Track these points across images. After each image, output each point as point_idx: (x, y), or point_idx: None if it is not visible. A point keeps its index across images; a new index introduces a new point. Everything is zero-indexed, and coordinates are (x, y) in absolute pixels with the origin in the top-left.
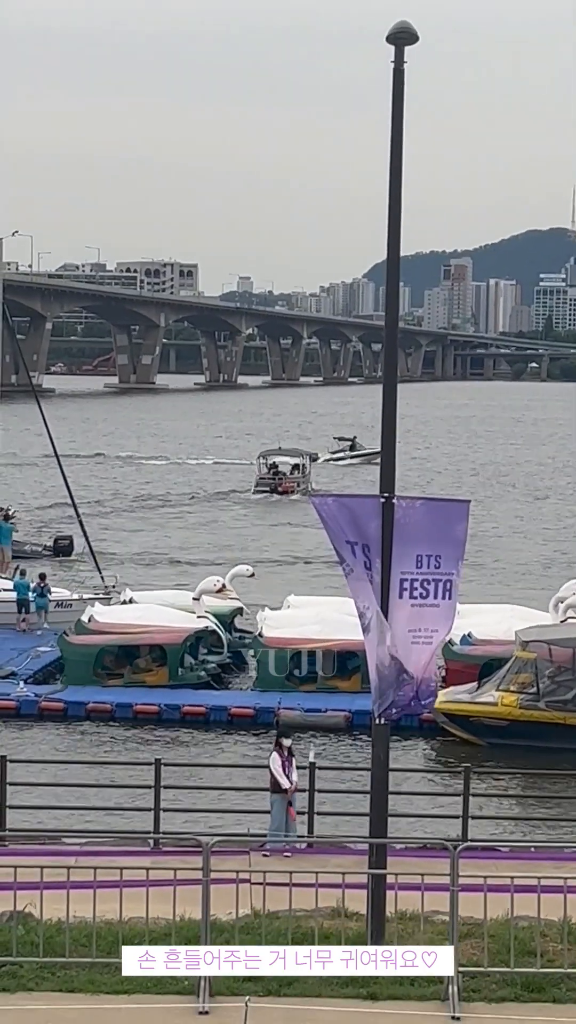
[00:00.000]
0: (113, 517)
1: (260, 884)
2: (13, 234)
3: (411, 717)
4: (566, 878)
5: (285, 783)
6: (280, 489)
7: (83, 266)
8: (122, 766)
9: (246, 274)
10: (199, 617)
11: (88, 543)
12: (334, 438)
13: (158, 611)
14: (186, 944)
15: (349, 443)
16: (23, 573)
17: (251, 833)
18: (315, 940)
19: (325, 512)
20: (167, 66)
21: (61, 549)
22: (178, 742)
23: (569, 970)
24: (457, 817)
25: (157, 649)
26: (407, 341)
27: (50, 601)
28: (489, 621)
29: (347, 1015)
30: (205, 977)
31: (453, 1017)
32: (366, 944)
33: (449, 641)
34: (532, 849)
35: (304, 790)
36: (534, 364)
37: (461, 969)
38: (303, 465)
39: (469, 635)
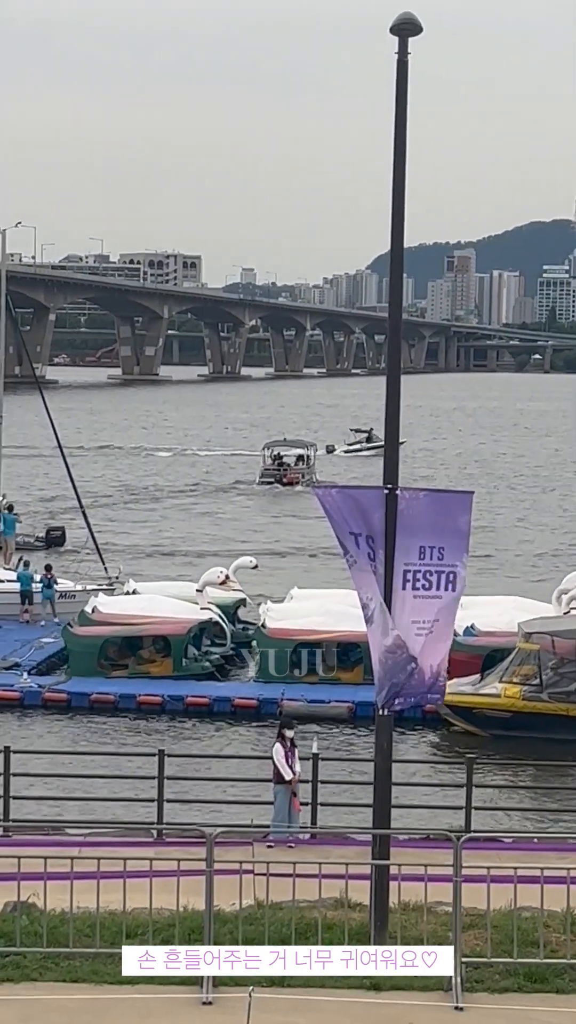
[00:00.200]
0: (117, 508)
1: (263, 875)
2: (16, 225)
3: (414, 708)
4: (569, 869)
5: (288, 774)
6: (285, 480)
7: (87, 257)
8: (125, 757)
9: (249, 266)
10: (202, 608)
11: (91, 534)
12: (351, 430)
13: (162, 602)
14: (189, 934)
15: (366, 435)
16: (27, 564)
17: (254, 824)
18: (318, 931)
19: (328, 503)
20: (170, 58)
21: (53, 540)
22: (181, 733)
23: (572, 961)
24: (460, 808)
25: (161, 640)
26: (410, 333)
27: (56, 592)
28: (492, 612)
29: (350, 1005)
30: None
31: (456, 1007)
32: (369, 934)
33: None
34: (535, 840)
35: (307, 781)
36: (537, 356)
37: (464, 960)
38: (307, 456)
39: (472, 627)
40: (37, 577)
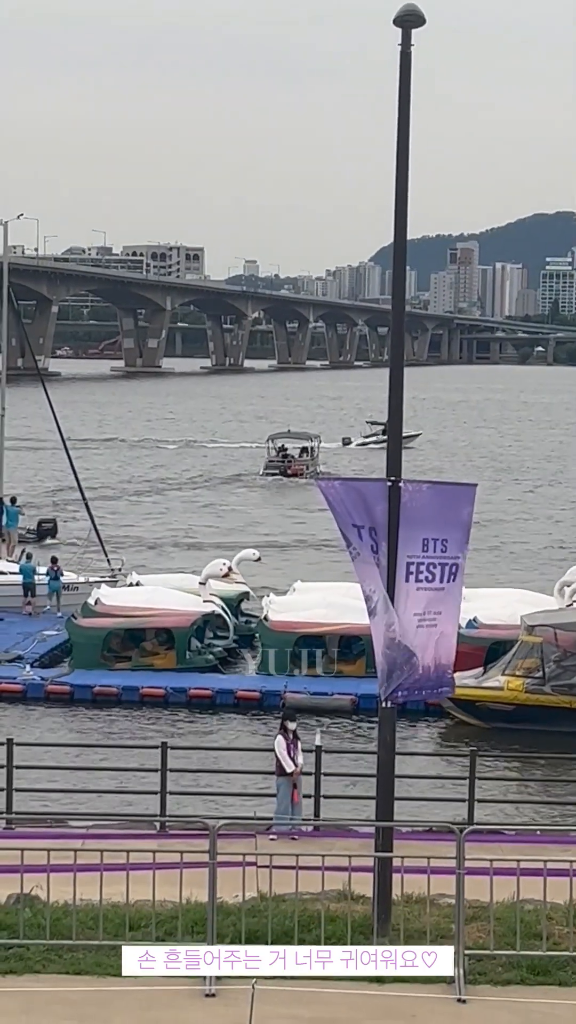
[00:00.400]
0: (121, 500)
1: (266, 867)
2: (18, 217)
3: (417, 701)
4: (572, 861)
5: (290, 766)
6: (289, 472)
7: (89, 250)
8: (128, 749)
9: (252, 258)
10: (205, 601)
11: (94, 526)
12: (367, 422)
13: (165, 594)
14: (192, 926)
15: (382, 427)
16: (29, 557)
17: (257, 816)
18: (321, 923)
19: (332, 495)
20: (173, 50)
21: (45, 532)
22: (184, 726)
23: (575, 953)
24: (463, 800)
25: (164, 633)
26: (413, 325)
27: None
28: (494, 605)
29: (353, 998)
30: None
31: (459, 1000)
32: (372, 926)
33: None
34: (538, 832)
35: (310, 773)
36: (540, 348)
37: (467, 952)
38: (311, 448)
39: (475, 619)
40: (41, 569)
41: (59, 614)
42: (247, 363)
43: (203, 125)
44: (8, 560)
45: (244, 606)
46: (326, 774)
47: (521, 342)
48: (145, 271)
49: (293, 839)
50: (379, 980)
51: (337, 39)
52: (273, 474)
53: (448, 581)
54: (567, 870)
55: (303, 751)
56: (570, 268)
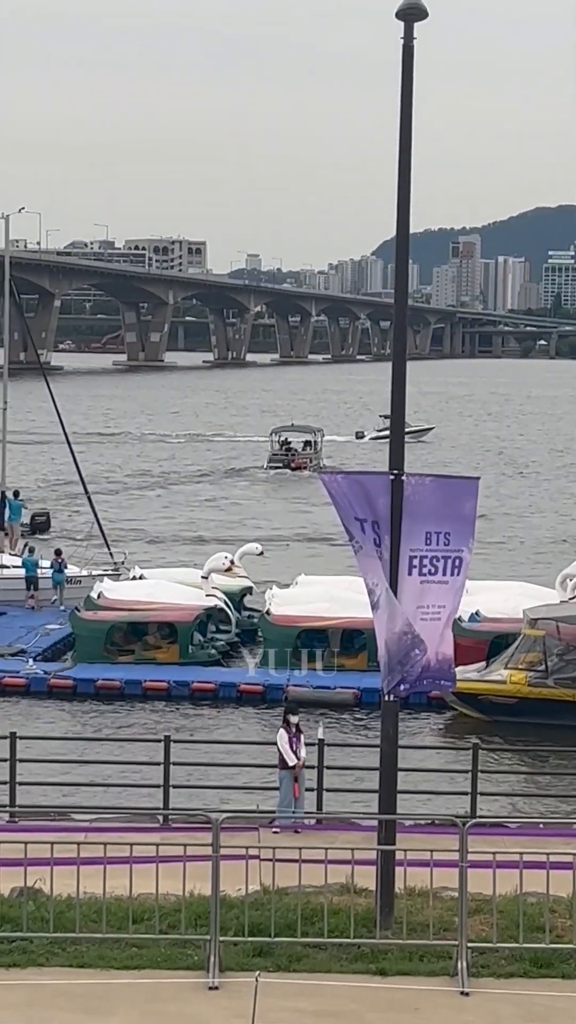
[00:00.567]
0: (125, 494)
1: (269, 860)
2: (20, 210)
3: (420, 695)
4: (575, 854)
5: (292, 759)
6: (293, 465)
7: (91, 244)
8: (131, 743)
9: (254, 252)
10: (207, 595)
11: (97, 520)
12: (380, 416)
13: (167, 588)
14: (196, 919)
15: None
16: (32, 550)
17: (260, 810)
18: (324, 916)
19: (334, 489)
20: (175, 45)
21: (38, 526)
22: (187, 719)
23: None
24: (466, 794)
25: (167, 627)
26: (415, 319)
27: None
28: (497, 598)
29: (357, 990)
30: (215, 953)
31: (462, 992)
32: (375, 919)
33: (458, 618)
34: (541, 825)
35: (313, 767)
36: (543, 341)
37: (470, 945)
38: (315, 442)
39: (477, 613)
40: (45, 563)
41: (62, 607)
42: (249, 357)
43: (205, 120)
44: (11, 554)
45: (247, 601)
46: (329, 767)
47: (523, 336)
48: (147, 265)
49: (296, 832)
50: (382, 973)
51: (339, 35)
52: (277, 467)
53: (451, 574)
54: (570, 863)
55: (305, 744)
56: (572, 262)
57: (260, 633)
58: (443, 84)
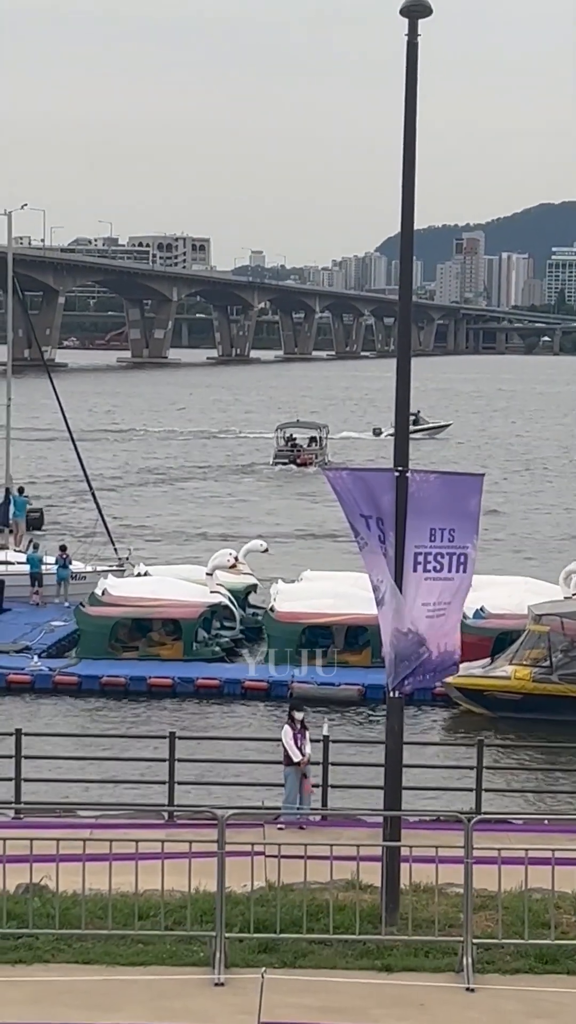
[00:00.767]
0: (130, 491)
1: (275, 857)
2: (22, 207)
3: (424, 691)
4: None
5: (297, 756)
6: (299, 461)
7: (95, 240)
8: (136, 739)
9: (258, 248)
10: (212, 592)
11: (101, 516)
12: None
13: (172, 584)
14: (201, 915)
15: (413, 417)
16: (36, 547)
17: (266, 806)
18: (330, 913)
19: (339, 485)
20: (178, 42)
21: (30, 522)
22: (192, 715)
23: None
24: (471, 790)
25: (171, 623)
26: (419, 315)
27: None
28: (501, 594)
29: (362, 986)
30: (221, 949)
31: (467, 988)
32: (380, 916)
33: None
34: (546, 821)
35: (318, 763)
36: (546, 338)
37: (475, 941)
38: (320, 438)
39: (482, 609)
40: (50, 559)
41: (66, 603)
42: (253, 353)
43: (209, 115)
44: (16, 550)
45: (252, 599)
46: (334, 764)
47: (527, 332)
48: (151, 262)
49: (301, 829)
50: (387, 969)
51: (345, 28)
52: (283, 463)
53: (457, 571)
54: (575, 859)
55: (311, 741)
56: None
57: (264, 630)
58: (447, 81)
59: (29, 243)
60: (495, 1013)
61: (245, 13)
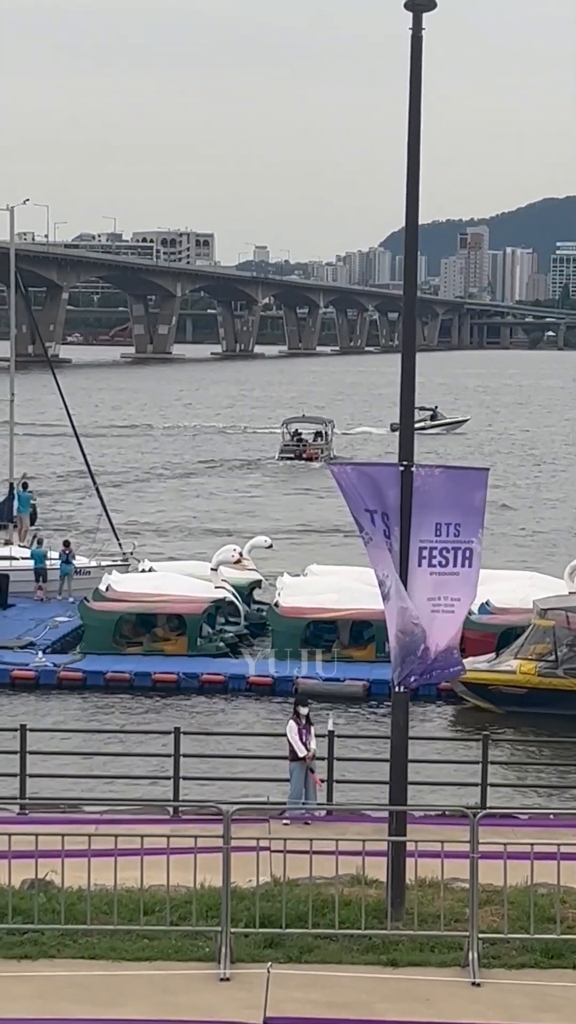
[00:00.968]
0: (136, 486)
1: (280, 852)
2: (24, 202)
3: (429, 686)
4: None
5: (302, 751)
6: (305, 456)
7: (99, 236)
8: (141, 735)
9: (262, 243)
10: (216, 587)
11: (106, 511)
12: (416, 408)
13: (176, 580)
14: (207, 911)
15: (430, 412)
16: (40, 542)
17: (271, 801)
18: (335, 908)
19: (344, 480)
20: (181, 37)
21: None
22: (197, 711)
23: None
24: (476, 785)
25: (176, 618)
26: (424, 310)
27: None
28: (506, 589)
29: (368, 981)
30: (226, 944)
31: (473, 983)
32: (386, 911)
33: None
34: (551, 816)
35: (323, 758)
36: (551, 332)
37: (481, 936)
38: (325, 433)
39: (487, 603)
40: (53, 554)
41: (71, 599)
42: (257, 349)
43: (213, 111)
44: (20, 545)
45: (256, 595)
46: (339, 759)
47: (531, 327)
48: (155, 257)
49: (306, 824)
50: (393, 964)
51: (347, 23)
52: (289, 458)
53: (462, 566)
54: None
55: (316, 736)
56: None
57: (268, 624)
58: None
59: (33, 239)
60: (501, 1008)
61: (248, 8)
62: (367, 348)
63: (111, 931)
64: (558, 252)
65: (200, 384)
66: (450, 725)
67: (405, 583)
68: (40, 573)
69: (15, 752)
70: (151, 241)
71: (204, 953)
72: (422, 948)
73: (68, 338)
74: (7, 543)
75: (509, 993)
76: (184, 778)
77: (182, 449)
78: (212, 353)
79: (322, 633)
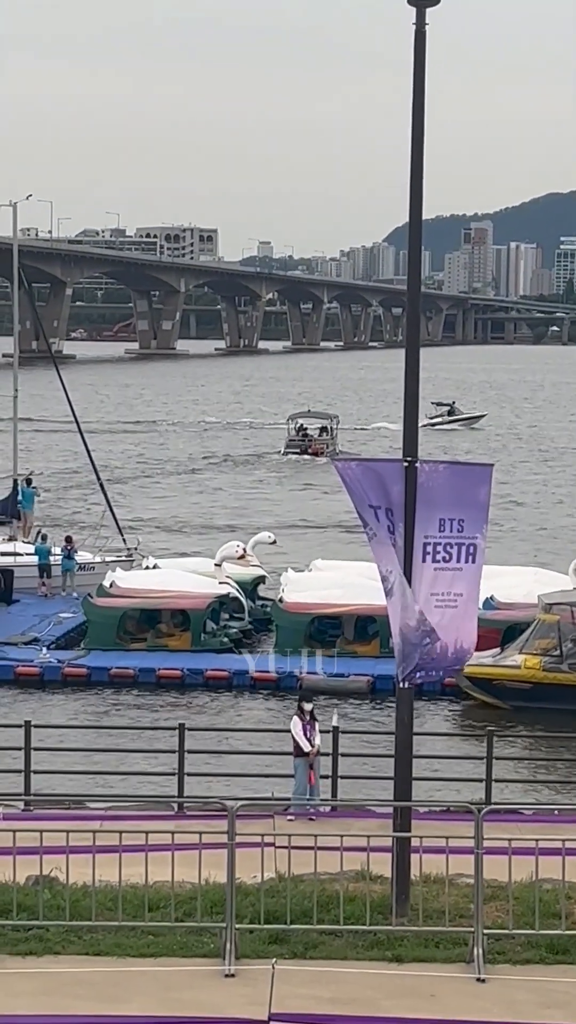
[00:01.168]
0: (141, 482)
1: (285, 848)
2: (27, 197)
3: (434, 682)
4: None
5: (306, 747)
6: (311, 451)
7: (103, 232)
8: (146, 731)
9: (266, 239)
10: (220, 583)
11: (110, 507)
12: (432, 403)
13: (180, 576)
14: (211, 907)
15: (447, 408)
16: (44, 538)
17: (275, 797)
18: (340, 904)
19: (348, 476)
20: (184, 32)
21: (16, 514)
22: (201, 707)
23: None
24: (481, 780)
25: (180, 614)
26: (428, 305)
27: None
28: (510, 584)
29: (373, 977)
30: (231, 940)
31: (478, 979)
32: (391, 906)
33: None
34: (556, 812)
35: (328, 754)
36: (555, 327)
37: (486, 931)
38: (330, 428)
39: (492, 598)
40: (56, 550)
41: (74, 594)
42: (261, 344)
43: (216, 106)
44: (24, 541)
45: (260, 590)
46: (344, 755)
47: (536, 322)
48: (159, 253)
49: (311, 820)
50: (398, 960)
51: (351, 16)
52: (294, 453)
53: (466, 561)
54: None
55: (320, 732)
56: None
57: (273, 620)
58: (454, 70)
59: (36, 234)
60: (506, 1004)
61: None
62: (371, 343)
63: (116, 927)
64: (562, 247)
65: (204, 380)
66: (454, 720)
67: (409, 579)
68: (44, 569)
69: (20, 748)
70: (155, 237)
71: (209, 949)
72: (427, 944)
73: (72, 334)
74: (11, 539)
75: (514, 989)
76: (188, 774)
77: (186, 445)
78: (216, 349)
79: (326, 629)
